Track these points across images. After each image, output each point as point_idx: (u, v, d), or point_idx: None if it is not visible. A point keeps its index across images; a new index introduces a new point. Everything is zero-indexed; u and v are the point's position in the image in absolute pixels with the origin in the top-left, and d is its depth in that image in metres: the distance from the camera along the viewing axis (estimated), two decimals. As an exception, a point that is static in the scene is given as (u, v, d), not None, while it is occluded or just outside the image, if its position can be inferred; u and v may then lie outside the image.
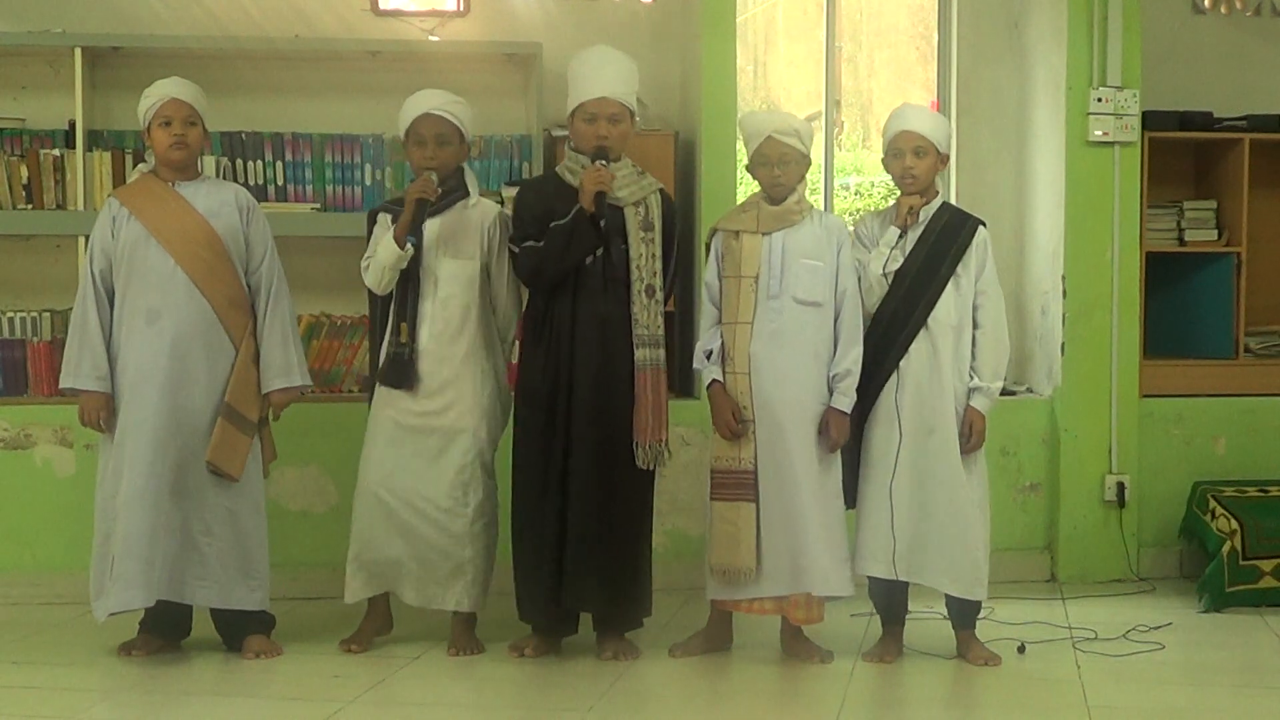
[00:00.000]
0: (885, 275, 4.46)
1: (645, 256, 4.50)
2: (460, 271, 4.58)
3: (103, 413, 4.46)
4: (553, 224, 4.42)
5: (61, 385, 4.59)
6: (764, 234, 4.48)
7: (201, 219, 4.50)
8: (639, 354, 4.48)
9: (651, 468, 4.49)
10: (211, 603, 4.50)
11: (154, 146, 4.55)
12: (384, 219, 4.60)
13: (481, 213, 4.65)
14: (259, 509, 4.57)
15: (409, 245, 4.44)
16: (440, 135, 4.56)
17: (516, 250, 4.52)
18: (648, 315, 4.50)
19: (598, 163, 4.42)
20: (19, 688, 4.26)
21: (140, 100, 4.54)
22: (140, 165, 4.80)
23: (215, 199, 4.56)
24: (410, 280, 4.53)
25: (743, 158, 4.66)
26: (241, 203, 4.59)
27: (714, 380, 4.49)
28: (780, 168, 4.47)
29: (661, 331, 4.52)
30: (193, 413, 4.44)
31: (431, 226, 4.54)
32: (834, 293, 4.47)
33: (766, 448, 4.43)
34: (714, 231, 4.60)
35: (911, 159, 4.46)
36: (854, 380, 4.45)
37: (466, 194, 4.63)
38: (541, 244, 4.44)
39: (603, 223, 4.43)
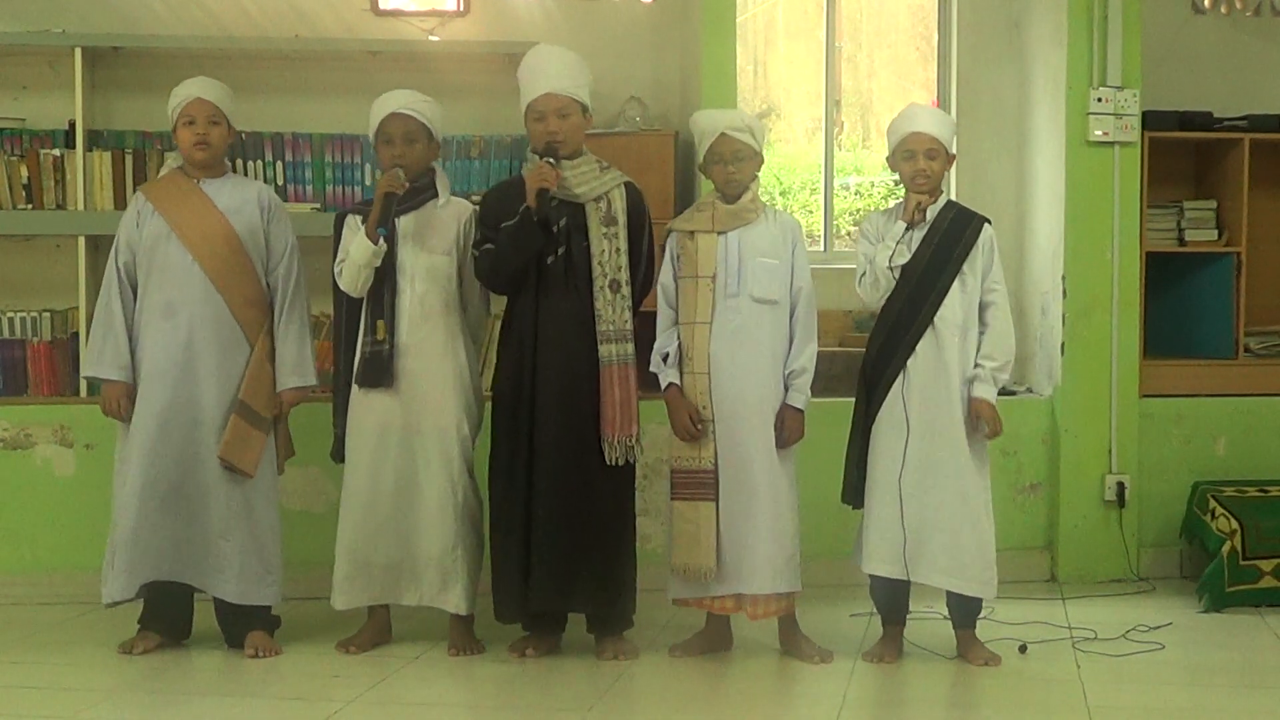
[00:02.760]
0: (891, 269, 4.46)
1: (608, 252, 4.49)
2: (436, 267, 4.58)
3: (123, 402, 4.51)
4: (502, 225, 4.43)
5: (84, 373, 4.71)
6: (720, 233, 4.48)
7: (221, 216, 4.53)
8: (603, 350, 4.47)
9: (620, 464, 4.48)
10: (228, 596, 4.53)
11: (179, 145, 4.60)
12: (353, 220, 4.60)
13: (456, 211, 4.67)
14: (272, 505, 4.60)
15: (381, 240, 4.44)
16: (408, 133, 4.56)
17: (477, 254, 4.54)
18: (612, 311, 4.48)
19: (544, 160, 4.42)
20: (19, 688, 4.27)
21: (169, 99, 4.58)
22: (170, 161, 4.84)
23: (238, 197, 4.59)
24: (386, 278, 4.53)
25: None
26: (264, 201, 4.63)
27: (670, 383, 4.49)
28: (734, 165, 4.48)
29: (629, 326, 4.50)
30: (203, 408, 4.48)
31: (406, 223, 4.55)
32: (790, 291, 4.49)
33: (726, 447, 4.44)
34: (669, 232, 4.60)
35: (924, 161, 4.47)
36: (809, 378, 4.48)
37: (436, 194, 4.64)
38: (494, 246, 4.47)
39: (563, 221, 4.44)
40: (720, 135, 4.47)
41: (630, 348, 4.49)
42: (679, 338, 4.50)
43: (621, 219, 4.52)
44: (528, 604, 4.49)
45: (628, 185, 4.58)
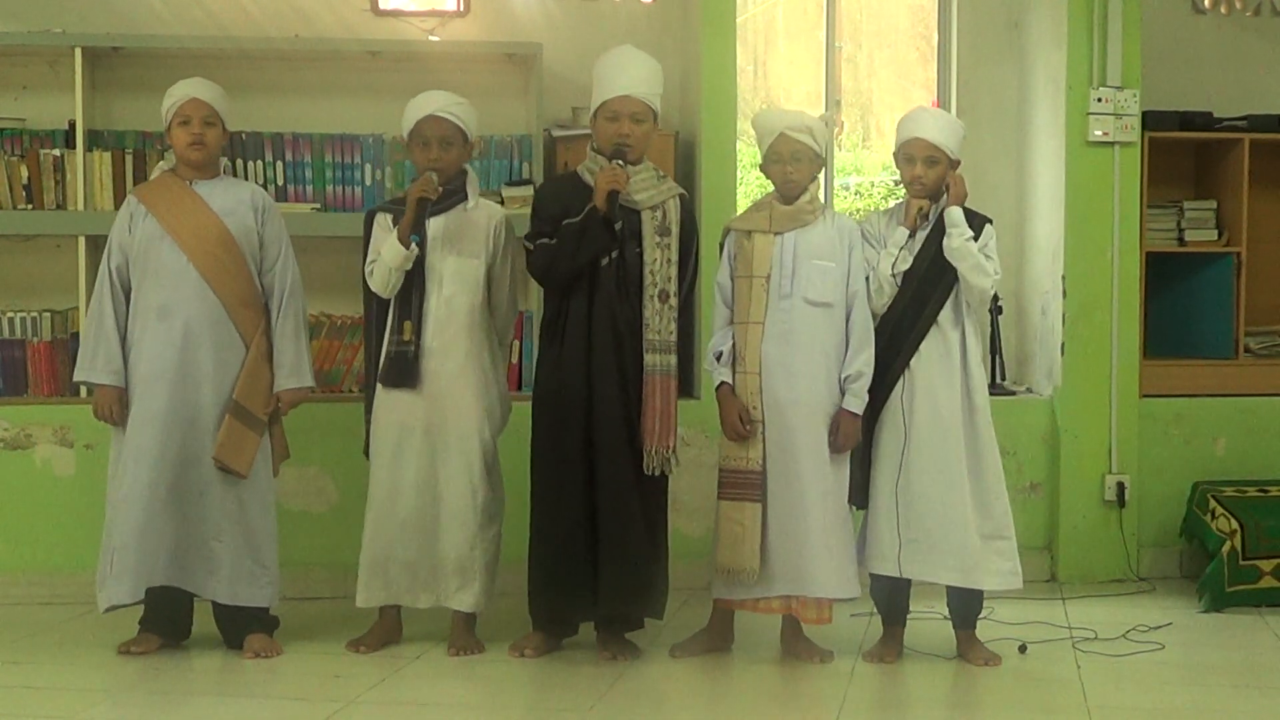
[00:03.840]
0: (895, 276, 4.46)
1: (660, 261, 4.49)
2: (465, 270, 4.58)
3: (115, 406, 4.50)
4: (565, 222, 4.42)
5: (76, 378, 4.68)
6: (776, 234, 4.48)
7: (215, 217, 4.52)
8: (648, 359, 4.47)
9: (657, 474, 4.47)
10: (220, 597, 4.52)
11: (173, 145, 4.59)
12: (383, 219, 4.60)
13: (486, 214, 4.67)
14: (267, 506, 4.59)
15: (413, 245, 4.44)
16: (444, 137, 4.56)
17: (531, 247, 4.52)
18: (660, 320, 4.48)
19: (614, 162, 4.42)
20: (19, 688, 4.27)
21: (163, 99, 4.57)
22: (161, 163, 4.83)
23: (231, 198, 4.59)
24: (415, 279, 4.53)
25: (743, 158, 4.68)
26: (257, 202, 4.62)
27: (722, 382, 4.49)
28: (793, 165, 4.48)
29: (674, 337, 4.50)
30: (200, 409, 4.47)
31: (436, 225, 4.55)
32: (845, 294, 4.48)
33: (775, 448, 4.44)
34: (727, 231, 4.61)
35: (922, 168, 4.46)
36: (866, 381, 4.45)
37: (466, 197, 4.63)
38: (554, 242, 4.45)
39: (619, 225, 4.44)
40: (779, 135, 4.47)
41: (673, 359, 4.50)
42: (732, 337, 4.50)
43: (675, 230, 4.52)
44: (597, 607, 4.49)
45: (683, 198, 4.59)
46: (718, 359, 4.51)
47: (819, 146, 4.51)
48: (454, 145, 4.58)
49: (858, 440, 4.48)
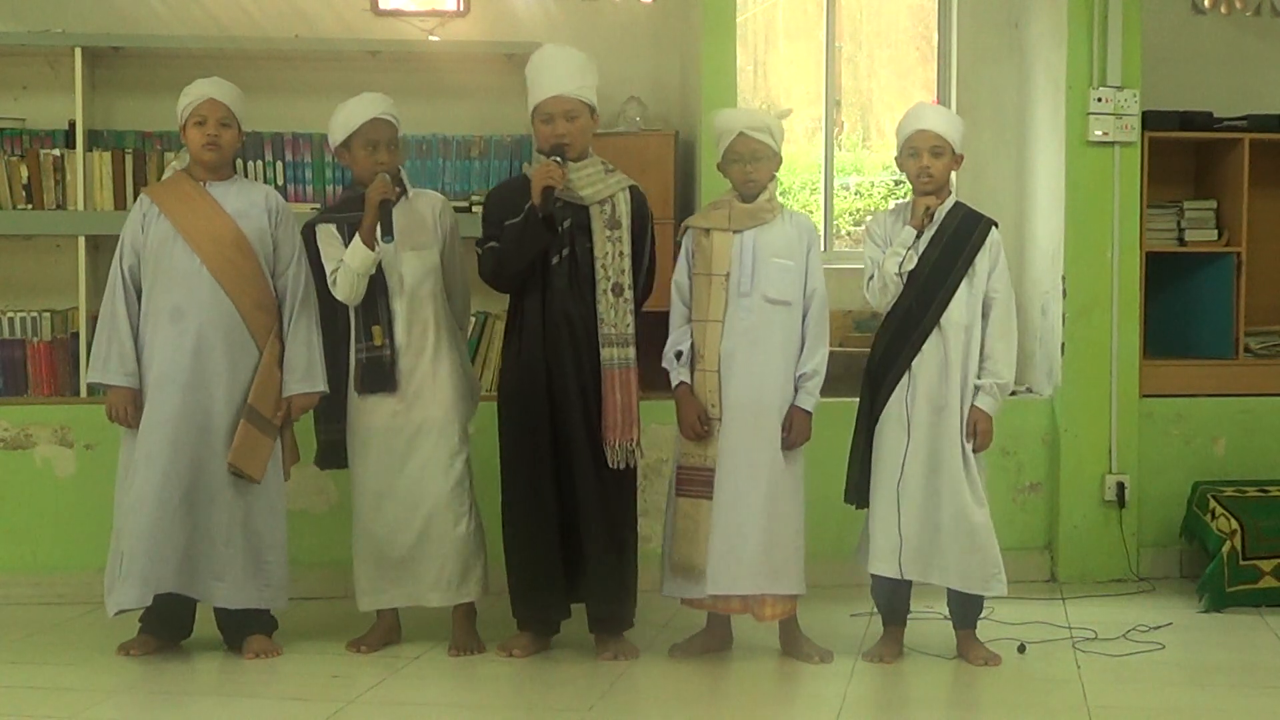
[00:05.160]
0: (900, 275, 4.46)
1: (612, 255, 4.49)
2: (423, 263, 4.59)
3: (130, 408, 4.48)
4: (507, 223, 4.43)
5: (89, 380, 4.65)
6: (735, 232, 4.48)
7: (229, 220, 4.51)
8: (605, 353, 4.47)
9: (622, 468, 4.48)
10: (227, 602, 4.51)
11: (188, 145, 4.57)
12: (327, 229, 4.58)
13: (428, 202, 4.69)
14: (275, 510, 4.58)
15: (378, 244, 4.42)
16: (390, 140, 4.57)
17: (481, 252, 4.53)
18: (615, 314, 4.49)
19: (551, 159, 4.43)
20: (19, 688, 4.27)
21: (179, 97, 4.55)
22: (174, 162, 4.80)
23: (245, 200, 4.57)
24: (376, 282, 4.53)
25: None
26: (271, 205, 4.60)
27: (681, 381, 4.49)
28: (752, 164, 4.48)
29: (631, 330, 4.50)
30: (213, 413, 4.45)
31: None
32: (803, 292, 4.49)
33: (731, 446, 4.44)
34: (685, 229, 4.61)
35: (928, 158, 4.46)
36: (819, 380, 4.48)
37: (405, 190, 4.63)
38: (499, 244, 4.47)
39: (568, 222, 4.45)
40: (738, 135, 4.47)
41: (631, 351, 4.49)
42: (691, 335, 4.50)
43: (625, 222, 4.52)
44: (569, 600, 4.51)
45: (632, 189, 4.58)
46: (677, 358, 4.51)
47: (777, 146, 4.52)
48: (397, 146, 4.60)
49: (808, 438, 4.49)
